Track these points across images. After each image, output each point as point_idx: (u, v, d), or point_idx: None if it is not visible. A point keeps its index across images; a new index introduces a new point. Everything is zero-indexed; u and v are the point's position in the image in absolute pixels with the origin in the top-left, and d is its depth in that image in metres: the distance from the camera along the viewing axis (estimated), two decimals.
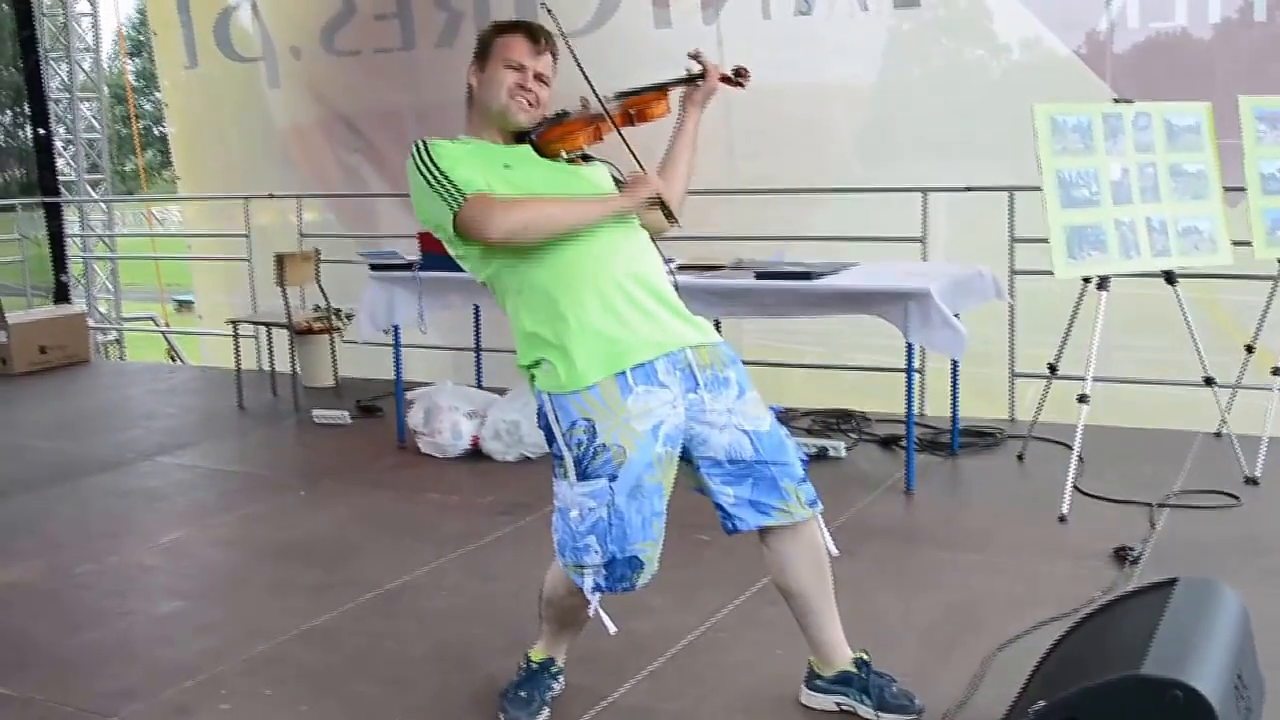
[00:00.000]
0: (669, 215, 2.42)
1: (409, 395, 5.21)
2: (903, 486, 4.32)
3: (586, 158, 2.55)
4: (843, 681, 2.58)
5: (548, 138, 2.47)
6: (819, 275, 4.38)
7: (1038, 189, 4.05)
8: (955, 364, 4.70)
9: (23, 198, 9.18)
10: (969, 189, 5.46)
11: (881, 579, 3.41)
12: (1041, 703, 2.05)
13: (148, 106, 23.92)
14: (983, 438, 4.89)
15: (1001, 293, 4.69)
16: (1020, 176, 4.90)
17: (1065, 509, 3.89)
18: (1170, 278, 4.21)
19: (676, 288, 2.50)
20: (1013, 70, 6.76)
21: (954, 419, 4.81)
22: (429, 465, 4.90)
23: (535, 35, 2.49)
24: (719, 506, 2.46)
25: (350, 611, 3.35)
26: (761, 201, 6.30)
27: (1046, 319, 4.95)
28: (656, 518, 2.37)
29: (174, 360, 10.49)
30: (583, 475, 2.33)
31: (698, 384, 2.40)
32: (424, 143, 2.40)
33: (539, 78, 2.47)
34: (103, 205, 9.91)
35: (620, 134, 2.46)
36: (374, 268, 5.17)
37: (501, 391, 5.17)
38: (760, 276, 4.45)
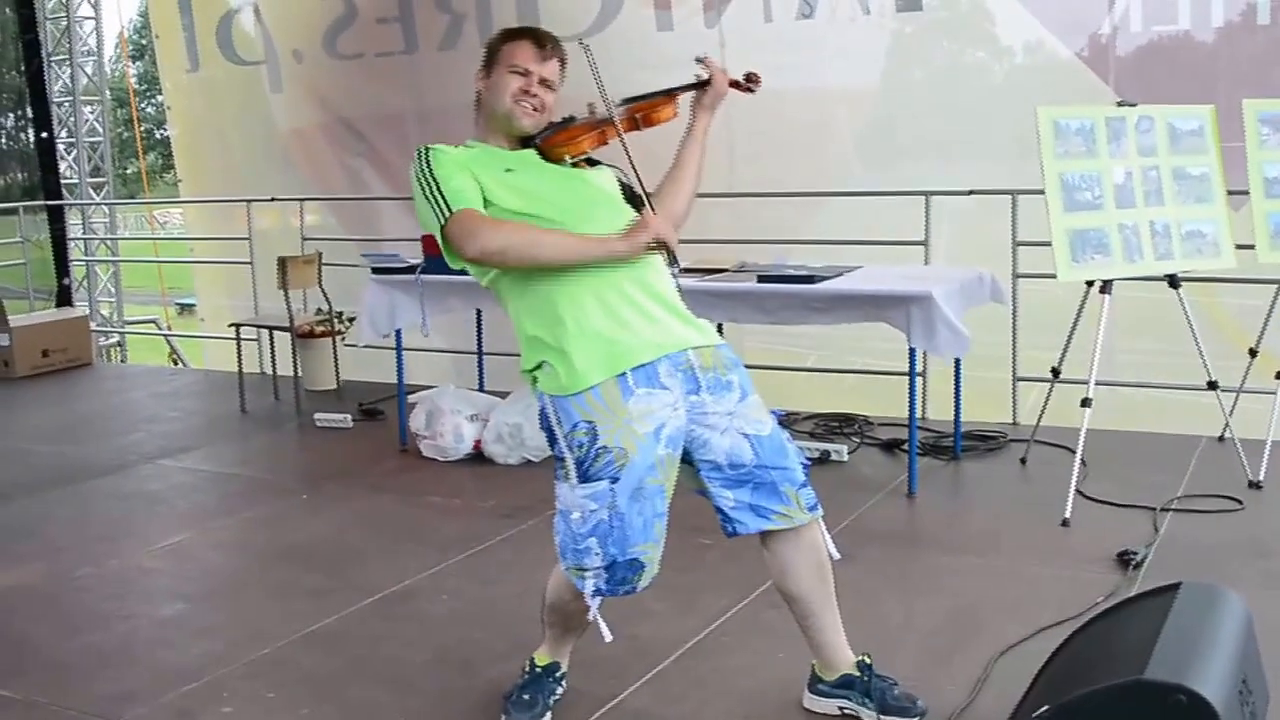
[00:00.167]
0: (671, 260, 2.40)
1: (411, 398, 5.21)
2: (905, 490, 4.31)
3: (592, 162, 2.55)
4: (845, 685, 2.58)
5: (552, 142, 2.47)
6: (822, 279, 4.37)
7: (1040, 192, 4.05)
8: (958, 367, 4.70)
9: (25, 201, 9.17)
10: (971, 192, 5.46)
11: (883, 583, 3.41)
12: (1045, 707, 2.05)
13: (150, 110, 23.96)
14: (985, 441, 4.89)
15: (1000, 295, 4.67)
16: (1023, 180, 4.90)
17: (1068, 513, 3.89)
18: (1174, 281, 4.20)
19: (680, 290, 2.50)
20: (1015, 73, 6.75)
21: (956, 422, 4.81)
22: (431, 468, 4.90)
23: (542, 41, 2.49)
24: (719, 510, 2.45)
25: (352, 615, 3.34)
26: (763, 205, 6.30)
27: (1049, 322, 4.94)
28: (658, 519, 2.37)
29: (176, 363, 10.50)
30: (584, 477, 2.33)
31: (699, 386, 2.40)
32: (426, 150, 2.41)
33: (544, 83, 2.47)
34: (105, 208, 9.91)
35: (623, 142, 2.46)
36: (376, 271, 5.17)
37: (503, 395, 5.17)
38: (763, 280, 4.45)
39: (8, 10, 9.37)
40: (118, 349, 9.97)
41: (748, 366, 2.52)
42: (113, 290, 9.87)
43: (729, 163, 6.57)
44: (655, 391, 2.34)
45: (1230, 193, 4.30)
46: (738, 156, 6.62)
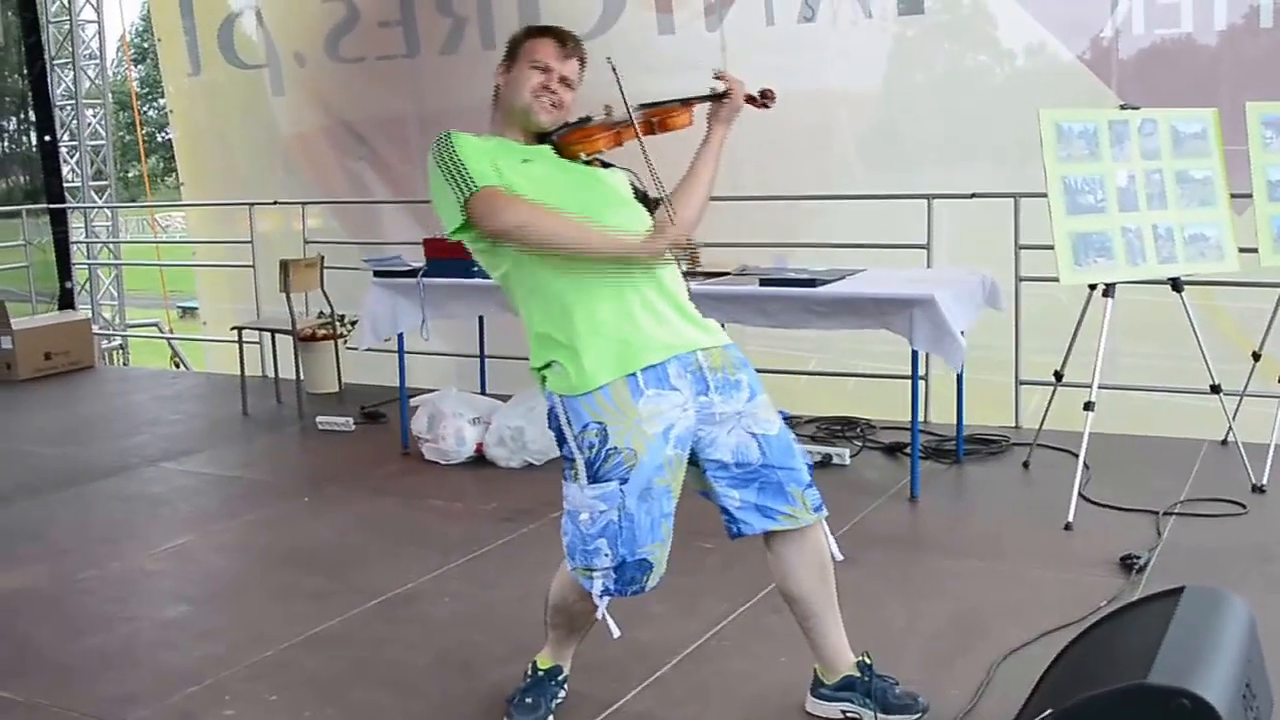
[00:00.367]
0: (690, 266, 2.39)
1: (413, 401, 5.21)
2: (907, 494, 4.31)
3: (605, 164, 2.56)
4: (846, 687, 2.58)
5: (568, 140, 2.49)
6: (823, 282, 4.37)
7: (1043, 195, 4.04)
8: (960, 371, 4.69)
9: (28, 204, 9.18)
10: (974, 195, 5.45)
11: (886, 587, 3.40)
12: (1048, 711, 2.04)
13: (152, 113, 24.00)
14: (988, 445, 4.88)
15: (996, 301, 4.65)
16: (1025, 183, 4.89)
17: (1071, 517, 3.88)
18: (1177, 285, 4.20)
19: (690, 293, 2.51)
20: (1017, 77, 6.75)
21: (959, 426, 4.81)
22: (432, 472, 4.90)
23: (564, 39, 2.51)
24: (724, 510, 2.45)
25: (354, 618, 3.34)
26: (765, 208, 6.30)
27: (1051, 326, 4.94)
28: (665, 519, 2.37)
29: (178, 366, 10.50)
30: (594, 478, 2.33)
31: (708, 386, 2.40)
32: (447, 135, 2.41)
33: (564, 81, 2.48)
34: (107, 211, 9.93)
35: (641, 145, 2.46)
36: (378, 274, 5.17)
37: (505, 398, 5.17)
38: (764, 283, 4.45)
39: (10, 14, 9.38)
40: (120, 352, 9.98)
41: None
42: (115, 293, 9.88)
43: (730, 165, 6.56)
44: (665, 392, 2.34)
45: (1233, 196, 4.29)
46: (739, 159, 6.62)
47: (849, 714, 2.58)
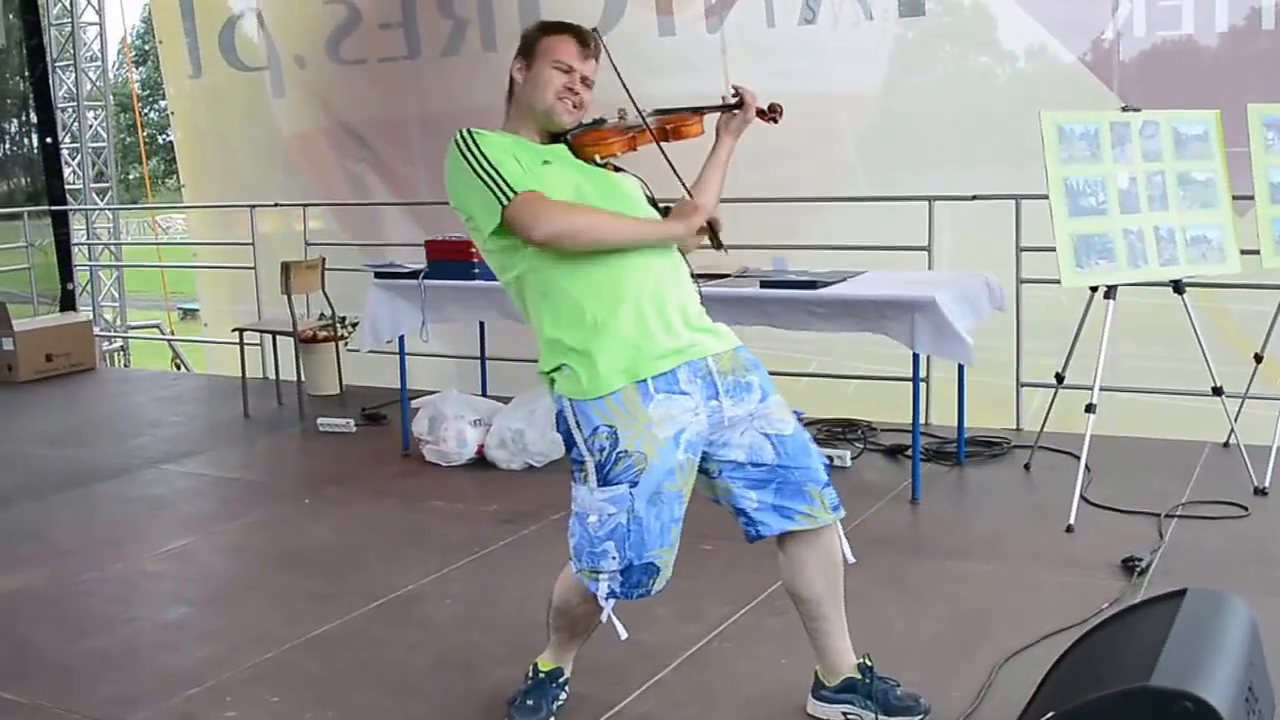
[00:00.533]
0: (717, 244, 2.39)
1: (414, 403, 5.21)
2: (908, 496, 4.30)
3: (617, 169, 2.55)
4: (847, 689, 2.57)
5: (583, 141, 2.48)
6: (824, 284, 4.37)
7: (1044, 197, 4.04)
8: (961, 373, 4.69)
9: (29, 206, 9.19)
10: (975, 197, 5.45)
11: (887, 589, 3.40)
12: (1050, 714, 2.04)
13: (153, 115, 24.01)
14: (989, 447, 4.88)
15: (1000, 302, 4.65)
16: (1026, 185, 4.89)
17: (1072, 519, 3.88)
18: (1178, 287, 4.19)
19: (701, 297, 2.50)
20: (1018, 78, 6.75)
21: (960, 428, 4.80)
22: (433, 473, 4.90)
23: (585, 39, 2.50)
24: (742, 512, 2.44)
25: (355, 619, 3.34)
26: (765, 210, 6.30)
27: (1053, 327, 4.94)
28: (675, 524, 2.37)
29: (179, 368, 10.51)
30: (604, 481, 2.32)
31: (718, 391, 2.39)
32: (469, 132, 2.38)
33: (584, 80, 2.48)
34: (108, 213, 9.93)
35: (661, 148, 2.46)
36: (379, 276, 5.17)
37: (506, 400, 5.16)
38: (765, 285, 4.45)
39: (12, 17, 9.39)
40: (121, 354, 9.98)
41: None
42: (116, 295, 9.89)
43: (733, 168, 6.56)
44: (675, 396, 2.34)
45: (1235, 198, 4.29)
46: (740, 162, 6.60)
47: (850, 715, 2.57)
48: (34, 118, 9.48)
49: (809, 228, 6.32)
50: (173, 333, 12.01)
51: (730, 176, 2.72)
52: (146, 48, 20.48)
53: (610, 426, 2.31)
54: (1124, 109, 4.23)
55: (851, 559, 2.53)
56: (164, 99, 12.51)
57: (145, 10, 17.04)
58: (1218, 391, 4.29)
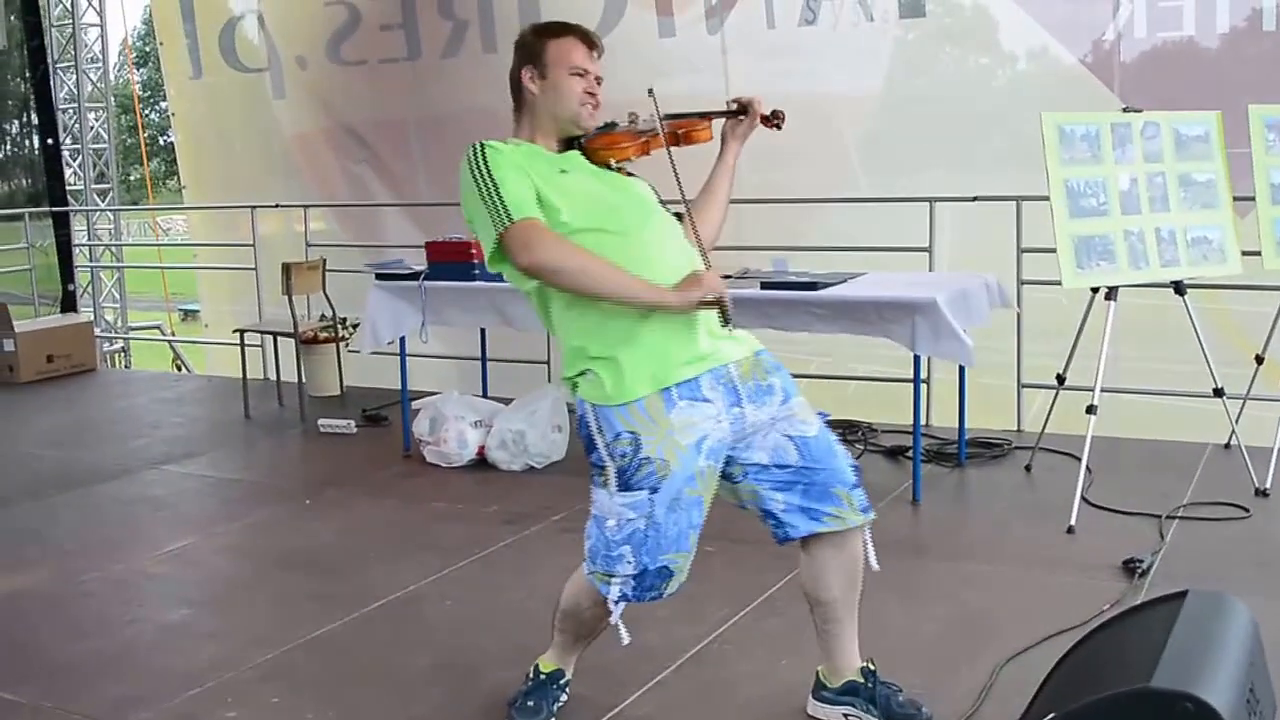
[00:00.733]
0: (725, 320, 2.35)
1: (414, 404, 5.21)
2: (909, 497, 4.30)
3: (629, 174, 2.56)
4: (849, 692, 2.57)
5: (596, 145, 2.49)
6: (825, 285, 4.37)
7: (1045, 198, 4.04)
8: (962, 374, 4.69)
9: (30, 207, 9.20)
10: (976, 199, 5.45)
11: (888, 590, 3.37)
12: (1051, 715, 2.04)
13: (154, 116, 24.03)
14: (990, 448, 4.88)
15: (1006, 299, 4.66)
16: (1027, 186, 4.89)
17: (1073, 520, 3.88)
18: (1179, 288, 4.19)
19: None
20: (1019, 80, 6.75)
21: (961, 429, 4.80)
22: (434, 474, 4.90)
23: (591, 40, 2.50)
24: (769, 514, 2.43)
25: (355, 620, 3.34)
26: (766, 211, 6.30)
27: (1054, 329, 4.93)
28: (693, 530, 2.37)
29: (180, 369, 10.51)
30: (624, 486, 2.32)
31: (740, 398, 2.39)
32: (482, 147, 2.37)
33: (598, 80, 2.49)
34: (109, 214, 9.93)
35: (670, 155, 2.46)
36: (380, 277, 5.17)
37: (507, 401, 5.16)
38: (766, 286, 4.45)
39: (13, 18, 9.40)
40: (122, 355, 9.98)
41: None
42: (117, 296, 9.89)
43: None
44: (697, 404, 2.33)
45: (1236, 199, 4.29)
46: (741, 163, 6.61)
47: (850, 718, 2.57)
48: (35, 119, 9.49)
49: (810, 229, 6.32)
50: (173, 334, 12.00)
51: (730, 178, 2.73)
52: (147, 49, 20.51)
53: (633, 433, 2.31)
54: (1125, 110, 4.23)
55: (875, 566, 2.52)
56: (165, 100, 12.50)
57: (146, 11, 17.09)
58: (1219, 393, 4.29)
